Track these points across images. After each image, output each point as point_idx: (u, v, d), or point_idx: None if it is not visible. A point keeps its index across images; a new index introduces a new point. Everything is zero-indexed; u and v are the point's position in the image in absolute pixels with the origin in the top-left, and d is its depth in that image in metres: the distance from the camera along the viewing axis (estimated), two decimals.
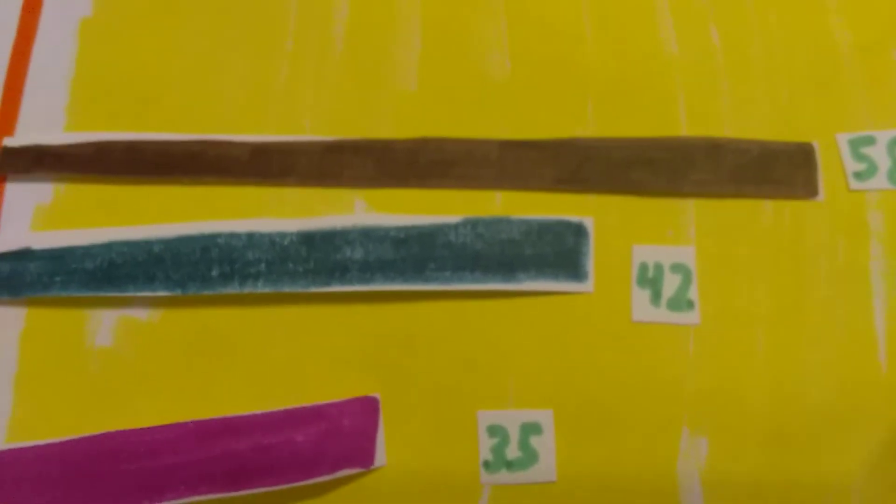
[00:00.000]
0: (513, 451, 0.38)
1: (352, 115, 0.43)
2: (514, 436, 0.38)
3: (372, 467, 0.38)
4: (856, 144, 0.42)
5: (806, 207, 0.42)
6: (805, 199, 0.42)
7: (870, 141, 0.43)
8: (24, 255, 0.40)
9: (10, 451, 0.37)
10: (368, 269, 0.40)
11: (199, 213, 0.41)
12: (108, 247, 0.40)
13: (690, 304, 0.40)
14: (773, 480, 0.38)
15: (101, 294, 0.39)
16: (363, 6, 0.45)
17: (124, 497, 0.36)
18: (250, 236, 0.40)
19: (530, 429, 0.38)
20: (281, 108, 0.43)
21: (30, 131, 0.43)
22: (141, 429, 0.37)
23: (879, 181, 0.42)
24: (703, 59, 0.44)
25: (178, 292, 0.39)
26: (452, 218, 0.41)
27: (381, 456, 0.38)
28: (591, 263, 0.40)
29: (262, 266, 0.39)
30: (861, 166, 0.42)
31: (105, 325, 0.40)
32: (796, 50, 0.44)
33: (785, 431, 0.38)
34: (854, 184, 0.42)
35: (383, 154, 0.42)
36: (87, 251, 0.40)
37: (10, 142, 0.42)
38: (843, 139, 0.43)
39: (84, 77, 0.44)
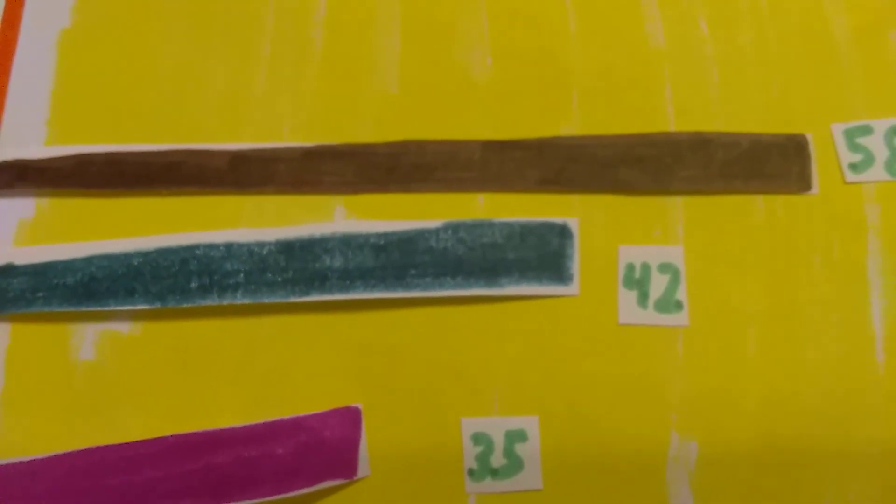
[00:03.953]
0: (498, 459, 0.38)
1: (331, 119, 0.42)
2: (499, 443, 0.38)
3: (355, 478, 0.37)
4: (851, 134, 0.41)
5: (799, 202, 0.40)
6: (798, 193, 0.40)
7: (866, 130, 0.41)
8: (7, 270, 0.40)
9: None
10: (348, 277, 0.39)
11: (180, 225, 0.41)
12: (89, 261, 0.40)
13: (679, 306, 0.39)
14: (765, 486, 0.37)
15: (83, 309, 0.39)
16: (341, 7, 0.44)
17: None
18: (228, 247, 0.40)
19: (515, 436, 0.38)
20: (259, 114, 0.42)
21: (11, 146, 0.42)
22: (123, 444, 0.37)
23: (876, 172, 0.41)
24: (690, 50, 0.43)
25: (157, 305, 0.39)
26: (433, 223, 0.40)
27: (364, 466, 0.38)
28: (576, 265, 0.39)
29: (241, 277, 0.39)
30: (857, 157, 0.41)
31: (88, 340, 0.40)
32: (788, 36, 0.43)
33: (778, 435, 0.37)
34: (850, 176, 0.41)
35: (364, 159, 0.41)
36: (68, 266, 0.40)
37: None
38: (837, 129, 0.41)
39: (64, 89, 0.44)
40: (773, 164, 0.41)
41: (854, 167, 0.41)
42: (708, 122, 0.42)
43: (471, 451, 0.38)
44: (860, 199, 0.40)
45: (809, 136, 0.41)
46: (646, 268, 0.39)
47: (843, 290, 0.39)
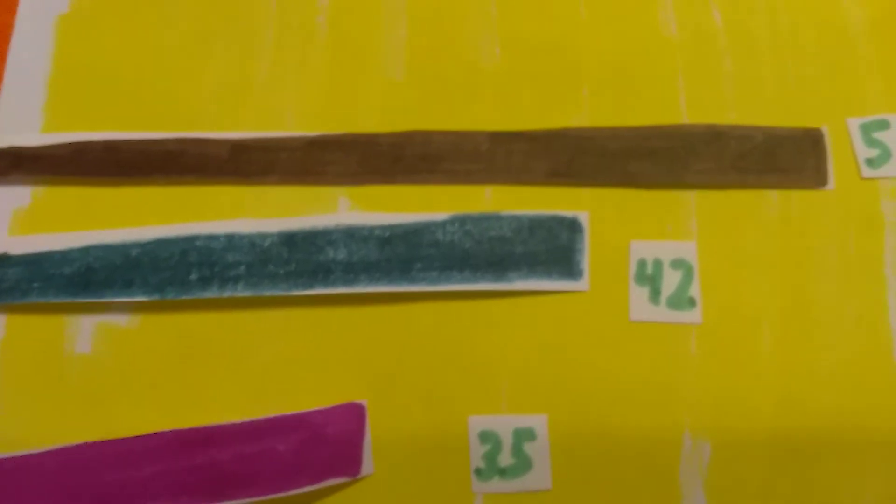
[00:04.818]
0: (506, 459, 0.37)
1: (335, 108, 0.41)
2: (507, 442, 0.37)
3: (358, 476, 0.36)
4: (868, 129, 0.40)
5: (815, 197, 0.39)
6: (814, 188, 0.40)
7: (883, 125, 0.40)
8: (1, 261, 0.39)
9: None
10: (352, 271, 0.38)
11: (179, 215, 0.40)
12: (86, 251, 0.39)
13: (692, 303, 0.38)
14: (780, 488, 0.36)
15: (79, 300, 0.38)
16: None
17: None
18: (230, 238, 0.39)
19: (524, 435, 0.37)
20: (262, 102, 0.42)
21: (7, 133, 0.41)
22: (120, 439, 0.36)
23: (893, 168, 0.40)
24: (703, 40, 0.42)
25: (156, 297, 0.38)
26: (439, 215, 0.39)
27: (368, 464, 0.37)
28: (587, 260, 0.39)
29: (242, 269, 0.38)
30: (873, 152, 0.40)
31: (84, 332, 0.39)
32: (803, 28, 0.42)
33: (793, 436, 0.36)
34: (866, 171, 0.40)
35: (368, 149, 0.40)
36: (64, 256, 0.39)
37: None
38: (854, 123, 0.40)
39: (62, 75, 0.43)
40: (788, 158, 0.40)
41: (870, 162, 0.40)
42: (721, 114, 0.41)
43: (478, 450, 0.37)
44: (876, 195, 0.40)
45: (825, 130, 0.40)
46: (658, 263, 0.38)
47: (859, 287, 0.38)
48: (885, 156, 0.40)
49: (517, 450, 0.37)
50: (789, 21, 0.42)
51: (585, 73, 0.41)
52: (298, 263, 0.38)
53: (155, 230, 0.39)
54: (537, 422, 0.37)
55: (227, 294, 0.38)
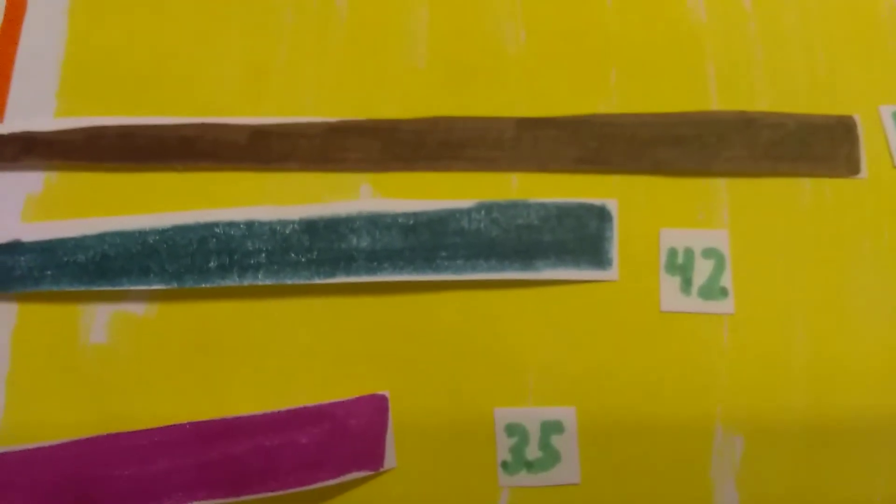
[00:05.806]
0: (533, 452, 0.36)
1: (356, 94, 0.40)
2: (535, 435, 0.36)
3: (381, 470, 0.36)
4: None
5: (848, 186, 0.39)
6: (846, 176, 0.39)
7: None
8: (13, 247, 0.38)
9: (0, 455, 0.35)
10: (375, 259, 0.37)
11: (196, 202, 0.39)
12: (101, 238, 0.38)
13: (724, 292, 0.37)
14: (813, 483, 0.35)
15: (94, 288, 0.37)
16: None
17: None
18: (249, 225, 0.38)
19: (551, 427, 0.36)
20: (281, 87, 0.41)
21: (19, 117, 0.40)
22: (136, 431, 0.36)
23: None
24: (734, 26, 0.41)
25: (174, 285, 0.37)
26: (465, 203, 0.38)
27: (391, 458, 0.36)
28: (616, 249, 0.38)
29: (263, 257, 0.37)
30: None
31: (99, 321, 0.38)
32: (835, 14, 0.41)
33: (826, 430, 0.36)
34: None
35: (390, 135, 0.39)
36: (78, 243, 0.38)
37: None
38: (886, 111, 0.40)
39: (75, 59, 0.41)
40: (821, 146, 0.39)
41: None
42: (751, 101, 0.40)
43: (504, 443, 0.36)
44: None
45: (858, 118, 0.39)
46: (689, 252, 0.37)
47: (893, 277, 0.37)
48: None
49: (545, 443, 0.36)
50: (820, 7, 0.41)
51: (613, 59, 0.41)
52: (320, 251, 0.37)
53: (172, 217, 0.38)
54: (565, 414, 0.36)
55: (246, 282, 0.37)
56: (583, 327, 0.37)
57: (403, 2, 0.42)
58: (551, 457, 0.36)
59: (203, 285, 0.37)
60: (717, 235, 0.38)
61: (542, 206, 0.38)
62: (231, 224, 0.38)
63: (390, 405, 0.36)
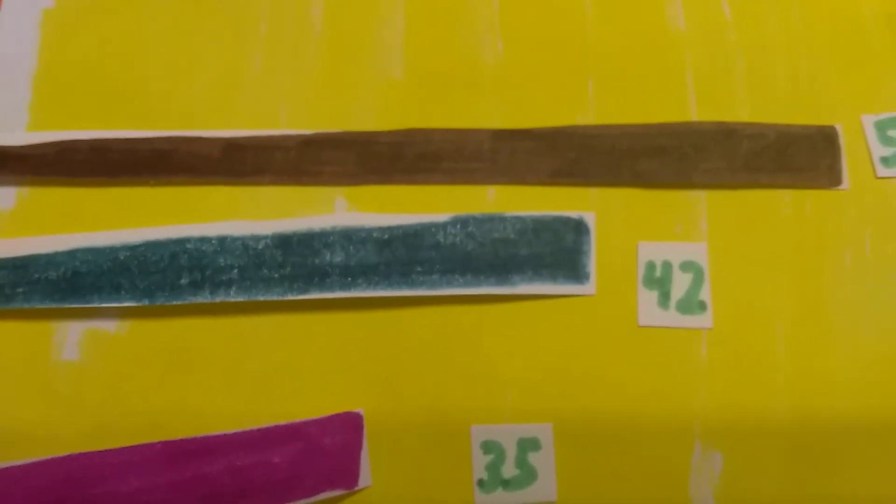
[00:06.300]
0: (509, 470, 0.35)
1: (331, 106, 0.40)
2: (511, 452, 0.36)
3: (356, 489, 0.35)
4: (883, 126, 0.39)
5: (829, 197, 0.38)
6: (828, 187, 0.38)
7: None
8: None
9: None
10: (350, 274, 0.37)
11: (169, 216, 0.38)
12: (72, 254, 0.37)
13: (702, 306, 0.37)
14: (793, 499, 0.35)
15: (66, 305, 0.37)
16: None
17: None
18: (222, 241, 0.37)
19: (528, 445, 0.36)
20: (255, 99, 0.40)
21: None
22: (107, 450, 0.35)
23: None
24: (713, 35, 0.41)
25: (145, 302, 0.37)
26: (440, 216, 0.38)
27: (366, 476, 0.36)
28: (593, 263, 0.37)
29: (235, 273, 0.37)
30: (889, 151, 0.39)
31: (71, 339, 0.37)
32: (816, 22, 0.41)
33: (807, 445, 0.35)
34: (882, 170, 0.39)
35: (366, 148, 0.39)
36: (50, 259, 0.37)
37: None
38: (868, 121, 0.39)
39: (47, 72, 0.41)
40: (802, 156, 0.39)
41: (886, 161, 0.39)
42: (732, 111, 0.40)
43: (481, 461, 0.35)
44: (892, 195, 0.38)
45: (839, 128, 0.39)
46: (667, 266, 0.37)
47: (876, 289, 0.37)
48: None
49: (521, 460, 0.35)
50: (801, 15, 0.41)
51: (591, 69, 0.40)
52: (293, 267, 0.37)
53: (144, 232, 0.38)
54: (542, 431, 0.36)
55: (218, 299, 0.36)
56: (560, 343, 0.37)
57: (379, 12, 0.41)
58: (528, 474, 0.35)
59: (174, 302, 0.37)
60: (695, 248, 0.37)
61: (519, 219, 0.38)
62: (203, 239, 0.37)
63: (365, 423, 0.36)
